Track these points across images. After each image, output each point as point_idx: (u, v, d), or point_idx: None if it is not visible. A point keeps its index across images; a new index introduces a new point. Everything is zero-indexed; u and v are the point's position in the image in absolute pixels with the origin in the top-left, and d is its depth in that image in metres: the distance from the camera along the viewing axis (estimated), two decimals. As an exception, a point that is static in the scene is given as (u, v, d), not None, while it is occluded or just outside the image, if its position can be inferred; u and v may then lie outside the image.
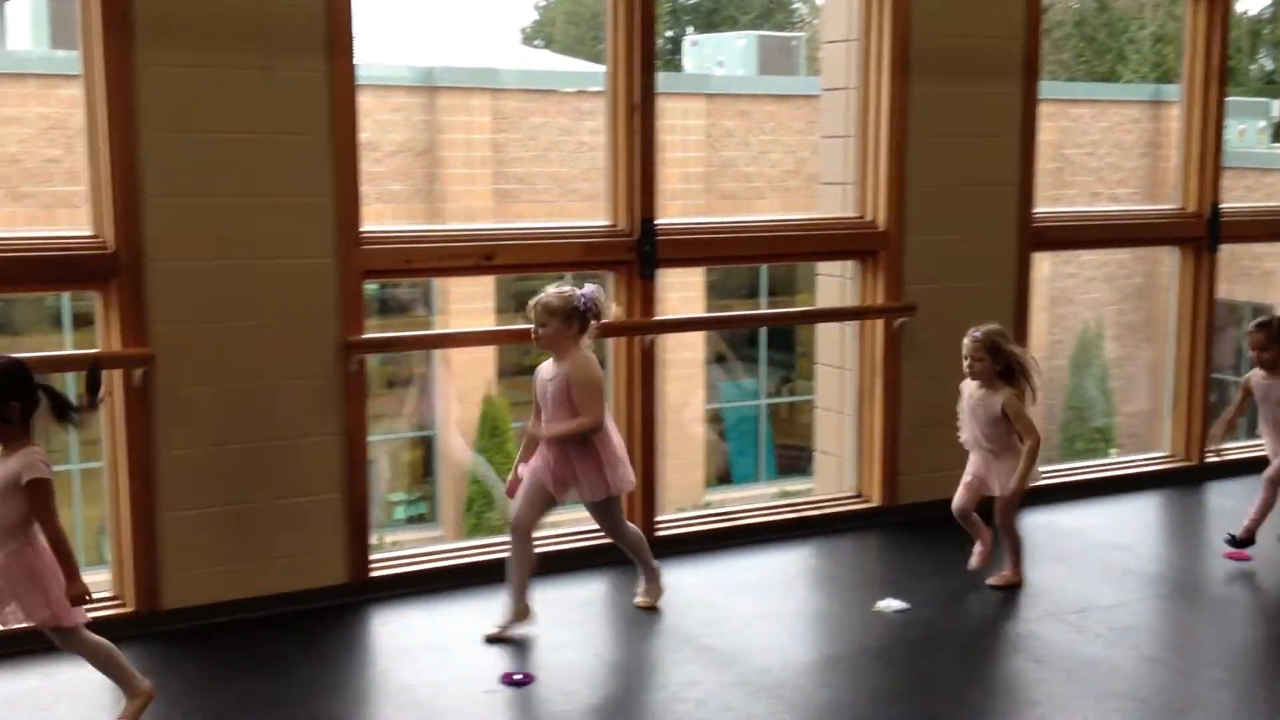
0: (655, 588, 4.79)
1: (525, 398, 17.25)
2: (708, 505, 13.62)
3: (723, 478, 16.67)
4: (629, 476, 4.58)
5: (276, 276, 4.62)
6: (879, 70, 5.68)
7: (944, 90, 5.75)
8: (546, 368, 4.50)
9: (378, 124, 13.29)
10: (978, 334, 4.79)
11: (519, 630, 4.45)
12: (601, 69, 5.34)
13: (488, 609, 4.70)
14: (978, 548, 5.02)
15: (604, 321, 4.55)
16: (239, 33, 4.48)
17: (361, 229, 4.78)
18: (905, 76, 5.65)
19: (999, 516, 4.92)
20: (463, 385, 14.29)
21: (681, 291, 13.94)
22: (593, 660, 4.34)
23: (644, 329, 5.30)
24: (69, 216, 12.02)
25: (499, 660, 4.23)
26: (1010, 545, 4.99)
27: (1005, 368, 4.79)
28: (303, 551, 4.71)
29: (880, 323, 5.79)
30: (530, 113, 14.49)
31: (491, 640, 4.40)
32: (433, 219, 13.75)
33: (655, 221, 5.26)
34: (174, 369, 4.47)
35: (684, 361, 14.95)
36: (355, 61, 4.70)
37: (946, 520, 5.05)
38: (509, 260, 5.23)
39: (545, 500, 4.49)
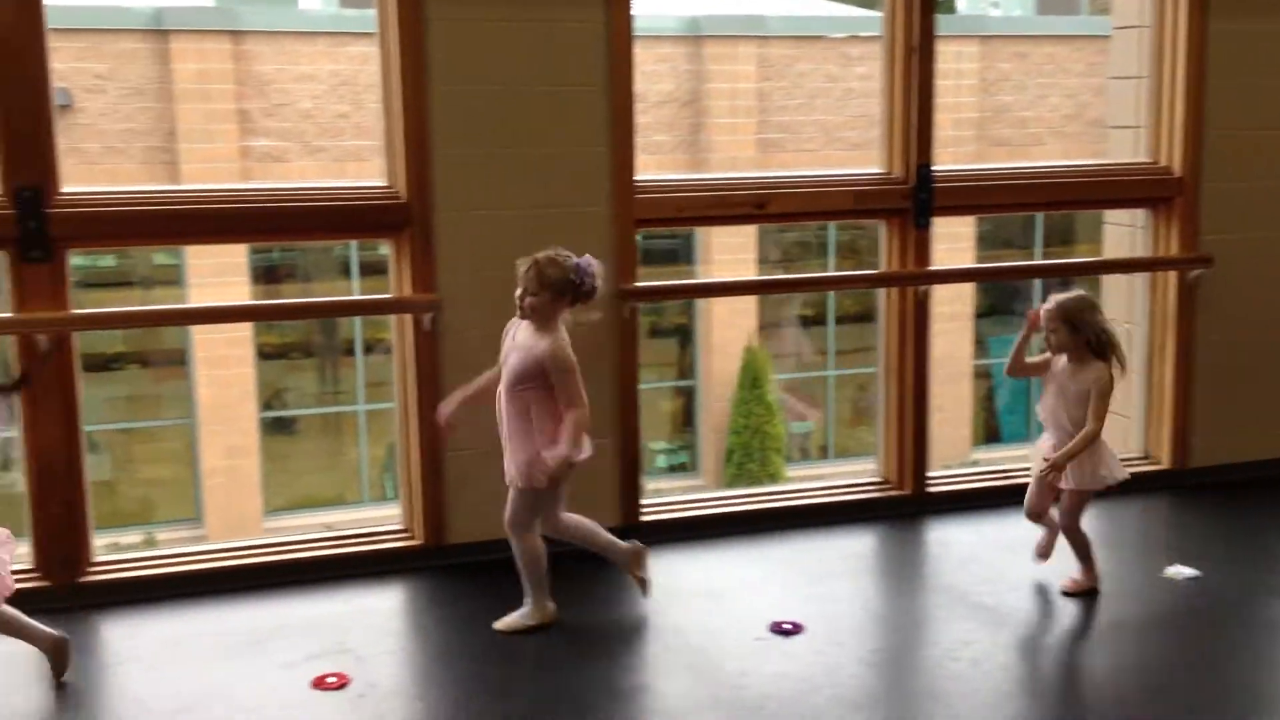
0: (530, 615, 4.15)
1: (786, 350, 17.10)
2: (974, 463, 13.29)
3: (991, 435, 16.22)
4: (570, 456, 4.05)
5: (554, 224, 4.72)
6: (1175, 6, 5.33)
7: (1247, 27, 5.35)
8: (519, 330, 4.09)
9: (644, 75, 13.42)
10: (1051, 304, 4.25)
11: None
12: (870, 14, 5.23)
13: (755, 558, 4.74)
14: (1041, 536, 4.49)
15: (592, 299, 4.08)
16: (522, -14, 4.59)
17: (635, 178, 4.84)
18: (1204, 13, 5.29)
19: (1062, 517, 4.36)
20: (723, 336, 14.36)
21: (950, 242, 13.56)
22: (862, 613, 4.30)
23: (918, 279, 5.18)
24: (357, 170, 12.67)
25: (769, 608, 4.24)
26: (1078, 549, 4.39)
27: (1097, 342, 4.19)
28: (577, 493, 4.83)
29: (1173, 275, 5.47)
30: (796, 59, 14.32)
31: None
32: (696, 169, 13.82)
33: (932, 168, 5.12)
34: (460, 313, 4.65)
35: (952, 315, 14.57)
36: (632, 12, 4.74)
37: (1243, 484, 4.75)
38: (780, 209, 5.19)
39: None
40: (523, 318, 4.05)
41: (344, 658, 3.93)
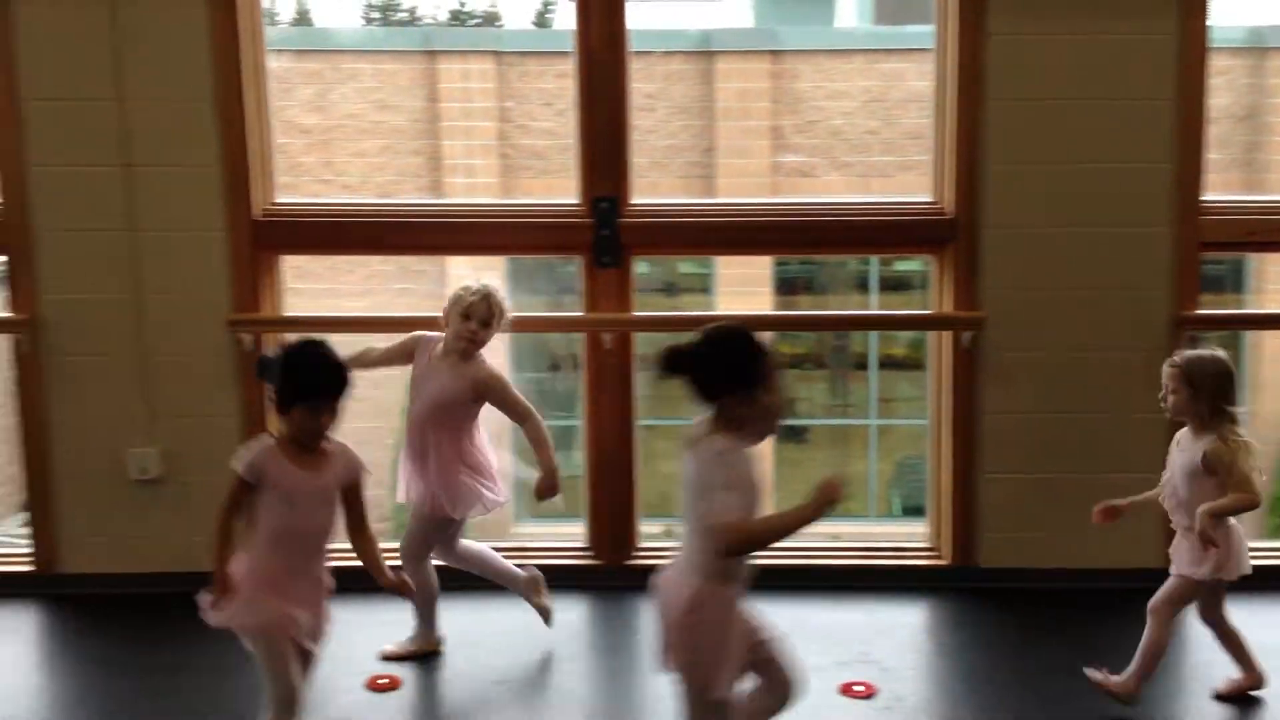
0: (415, 641, 4.09)
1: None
2: None
3: None
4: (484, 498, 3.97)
5: (1107, 244, 4.53)
6: None
7: None
8: (434, 355, 3.95)
9: (1201, 88, 12.52)
10: (1178, 359, 3.63)
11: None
12: None
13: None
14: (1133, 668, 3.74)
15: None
16: (1088, -2, 4.42)
17: (1202, 197, 4.53)
18: None
19: (1200, 611, 3.76)
20: (1276, 373, 13.10)
21: None
22: None
23: None
24: (880, 186, 12.75)
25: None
26: (1225, 644, 3.78)
27: (1220, 408, 3.56)
28: (1118, 529, 4.58)
29: None
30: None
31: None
32: (1251, 189, 12.71)
33: None
34: (1001, 333, 4.55)
35: None
36: (1209, 22, 4.43)
37: None
38: (1374, 235, 4.66)
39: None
40: (465, 348, 3.91)
41: (869, 668, 3.96)
